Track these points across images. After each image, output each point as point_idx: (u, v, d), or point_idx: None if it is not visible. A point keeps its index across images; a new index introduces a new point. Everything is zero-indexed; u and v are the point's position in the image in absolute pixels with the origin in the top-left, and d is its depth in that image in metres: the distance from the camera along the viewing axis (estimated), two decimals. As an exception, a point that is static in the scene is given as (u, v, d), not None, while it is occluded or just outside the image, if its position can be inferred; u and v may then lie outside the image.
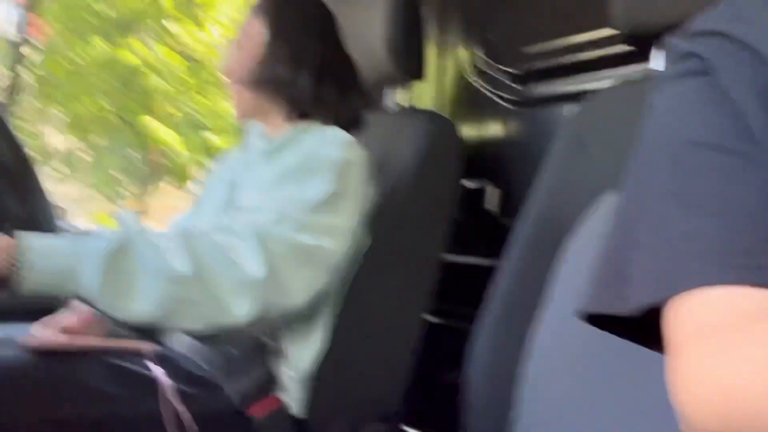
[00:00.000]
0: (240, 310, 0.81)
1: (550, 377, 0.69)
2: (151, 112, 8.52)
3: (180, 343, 0.99)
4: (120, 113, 8.65)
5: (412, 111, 1.23)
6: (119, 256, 0.76)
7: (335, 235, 0.92)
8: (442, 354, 1.12)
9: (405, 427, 1.20)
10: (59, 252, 0.75)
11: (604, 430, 0.62)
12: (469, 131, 1.40)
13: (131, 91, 8.42)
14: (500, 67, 1.35)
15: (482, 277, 0.88)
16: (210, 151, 8.82)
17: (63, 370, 0.87)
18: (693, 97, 0.41)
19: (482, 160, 1.35)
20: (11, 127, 0.73)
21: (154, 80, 8.24)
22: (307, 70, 1.03)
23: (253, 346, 0.95)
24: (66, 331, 0.97)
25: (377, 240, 1.02)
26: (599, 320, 0.41)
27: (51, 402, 0.83)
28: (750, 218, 0.35)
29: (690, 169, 0.38)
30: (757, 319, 0.32)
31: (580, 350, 0.65)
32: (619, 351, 0.50)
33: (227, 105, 1.14)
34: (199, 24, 8.49)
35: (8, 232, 0.74)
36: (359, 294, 1.00)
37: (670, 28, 0.70)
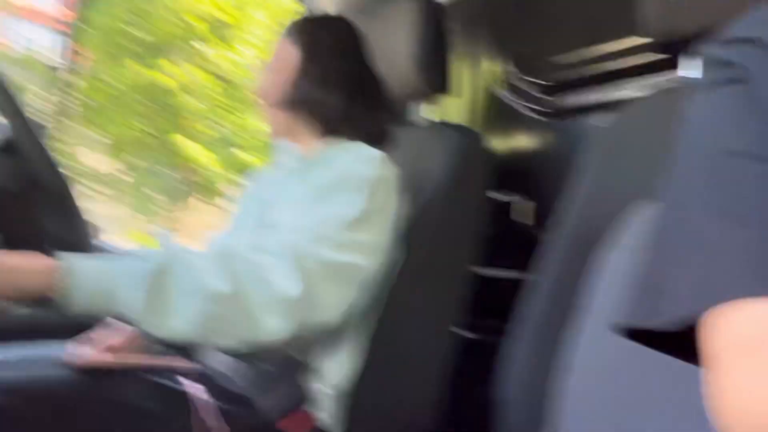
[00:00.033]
0: (274, 327, 0.82)
1: (586, 393, 0.68)
2: (184, 131, 8.70)
3: (216, 360, 1.00)
4: (155, 133, 8.86)
5: (441, 125, 1.23)
6: (159, 275, 0.78)
7: (368, 252, 0.92)
8: (476, 369, 1.11)
9: (439, 444, 1.19)
10: (100, 272, 0.77)
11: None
12: (498, 144, 1.39)
13: (166, 112, 8.63)
14: (529, 78, 1.34)
15: (515, 290, 0.87)
16: (241, 168, 8.96)
17: (103, 387, 0.89)
18: (729, 105, 0.40)
19: (513, 172, 1.34)
20: (51, 151, 0.75)
21: (187, 101, 8.43)
22: (338, 89, 1.04)
23: (287, 363, 0.95)
24: (106, 349, 0.99)
25: (408, 255, 1.01)
26: (636, 334, 0.40)
27: (91, 419, 0.85)
28: None
29: (728, 179, 0.37)
30: None
31: (616, 364, 0.63)
32: (657, 364, 0.49)
33: (258, 123, 1.15)
34: (230, 45, 8.66)
35: (50, 253, 0.76)
36: (391, 310, 1.00)
37: (701, 35, 0.70)
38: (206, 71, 8.61)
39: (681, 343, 0.37)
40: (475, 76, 1.48)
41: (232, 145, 8.79)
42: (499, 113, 1.42)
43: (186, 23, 8.43)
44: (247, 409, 0.93)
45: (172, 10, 8.42)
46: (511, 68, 1.39)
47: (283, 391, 0.94)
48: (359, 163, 0.98)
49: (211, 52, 8.48)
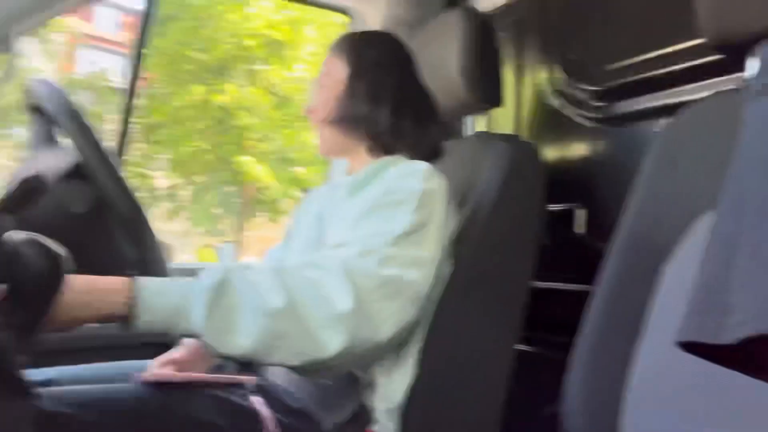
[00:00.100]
0: (330, 343, 0.82)
1: (652, 408, 0.66)
2: (243, 148, 8.93)
3: (277, 376, 1.02)
4: (215, 151, 9.12)
5: (493, 136, 1.22)
6: (220, 293, 0.80)
7: (420, 267, 0.92)
8: (538, 384, 1.09)
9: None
10: (170, 291, 0.79)
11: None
12: (552, 153, 1.37)
13: (225, 131, 8.88)
14: (582, 85, 1.32)
15: (575, 303, 0.85)
16: (299, 184, 9.12)
17: (172, 402, 0.92)
18: None
19: (568, 182, 1.31)
20: (124, 176, 0.78)
21: (245, 119, 8.65)
22: (386, 105, 1.05)
23: (346, 379, 0.96)
24: (175, 365, 1.03)
25: (462, 267, 1.01)
26: (700, 348, 0.39)
27: (161, 432, 0.88)
28: None
29: None
30: None
31: (683, 380, 0.61)
32: (724, 379, 0.47)
33: (314, 137, 1.17)
34: (284, 62, 8.85)
35: (125, 274, 0.79)
36: (446, 323, 0.99)
37: (764, 34, 0.67)
38: (263, 89, 8.83)
39: (748, 357, 0.36)
40: (525, 85, 1.46)
41: (291, 162, 8.96)
42: (551, 122, 1.39)
43: (242, 44, 8.68)
44: (307, 424, 0.94)
45: (228, 31, 8.69)
46: (563, 75, 1.37)
47: (341, 406, 0.94)
48: (406, 177, 0.98)
49: (267, 70, 8.70)
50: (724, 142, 0.45)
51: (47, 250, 0.59)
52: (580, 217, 1.26)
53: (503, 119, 1.47)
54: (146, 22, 1.52)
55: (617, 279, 0.79)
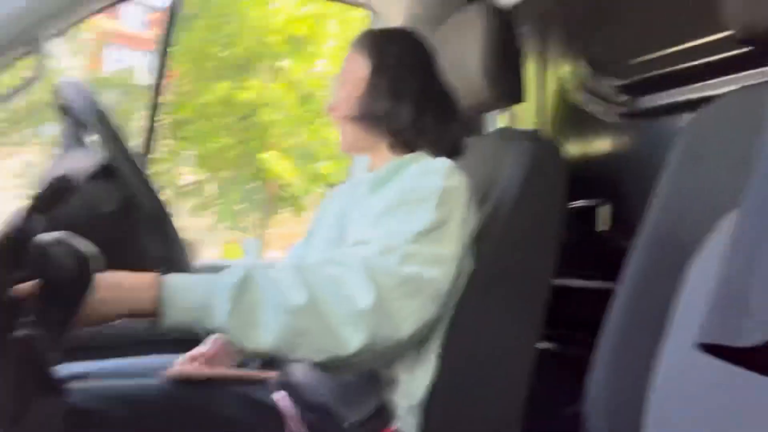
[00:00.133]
0: (351, 340, 0.83)
1: (677, 408, 0.65)
2: (267, 145, 8.99)
3: (300, 372, 1.03)
4: (240, 148, 9.19)
5: (514, 133, 1.21)
6: (243, 290, 0.81)
7: (441, 264, 0.92)
8: (561, 382, 1.08)
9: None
10: (195, 288, 0.80)
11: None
12: (576, 148, 1.36)
13: (249, 126, 8.93)
14: (606, 79, 1.30)
15: (597, 300, 0.85)
16: (323, 180, 9.15)
17: (197, 398, 0.94)
18: None
19: (591, 177, 1.30)
20: (149, 176, 0.79)
21: (269, 114, 8.70)
22: (408, 102, 1.05)
23: (367, 376, 0.97)
24: (201, 361, 1.05)
25: (483, 265, 1.01)
26: (721, 349, 0.38)
27: (186, 427, 0.90)
28: None
29: None
30: None
31: (708, 379, 0.60)
32: (750, 379, 0.47)
33: (336, 133, 1.17)
34: (307, 58, 8.87)
35: (151, 272, 0.80)
36: (467, 320, 0.99)
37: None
38: (286, 85, 8.86)
39: (766, 359, 0.36)
40: (548, 80, 1.44)
41: (313, 156, 8.99)
42: (574, 117, 1.37)
43: (265, 40, 8.72)
44: (329, 420, 0.95)
45: (252, 27, 8.74)
46: (586, 69, 1.35)
47: (363, 402, 0.95)
48: (429, 175, 0.98)
49: (290, 66, 8.73)
50: (750, 138, 0.45)
51: (77, 251, 0.60)
52: (604, 213, 1.24)
53: (526, 115, 1.46)
54: (172, 19, 1.54)
55: (641, 276, 0.79)
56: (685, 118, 1.09)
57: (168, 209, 0.80)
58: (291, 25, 8.41)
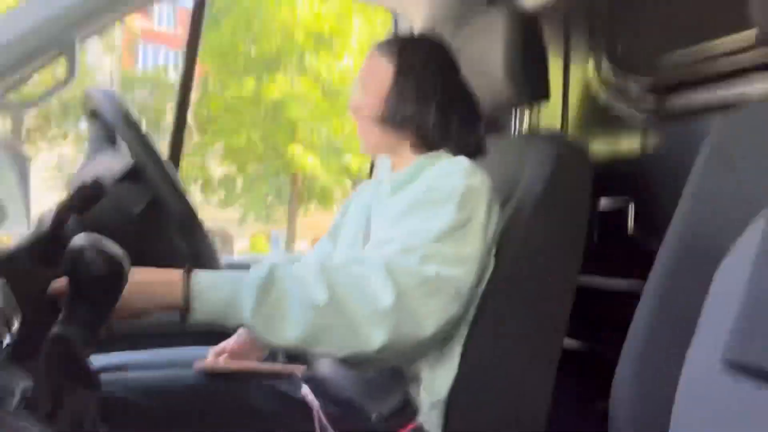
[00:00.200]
0: (373, 338, 0.83)
1: (700, 414, 0.64)
2: (294, 140, 9.03)
3: (326, 367, 1.04)
4: (267, 142, 9.25)
5: (538, 136, 1.19)
6: (268, 287, 0.82)
7: (463, 264, 0.92)
8: (588, 380, 1.07)
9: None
10: (222, 285, 0.82)
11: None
12: (601, 147, 1.33)
13: (276, 121, 8.99)
14: (633, 78, 1.27)
15: (626, 300, 0.83)
16: (350, 173, 9.17)
17: (226, 390, 0.95)
18: None
19: (619, 177, 1.27)
20: (176, 178, 0.81)
21: (296, 110, 8.73)
22: (432, 104, 1.05)
23: (391, 372, 0.97)
24: (229, 354, 1.06)
25: (506, 265, 1.00)
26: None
27: (217, 418, 0.91)
28: None
29: None
30: None
31: (731, 387, 0.59)
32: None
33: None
34: (333, 54, 8.87)
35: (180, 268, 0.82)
36: (489, 319, 0.98)
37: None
38: (312, 80, 8.88)
39: None
40: (573, 78, 1.42)
41: (339, 150, 9.01)
42: (600, 116, 1.35)
43: (291, 36, 8.75)
44: (356, 415, 0.95)
45: (278, 22, 8.77)
46: (612, 68, 1.32)
47: (387, 398, 0.95)
48: (451, 175, 0.97)
49: (316, 61, 8.75)
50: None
51: (110, 254, 0.61)
52: (631, 213, 1.22)
53: (551, 113, 1.43)
54: (198, 18, 1.55)
55: (669, 278, 0.77)
56: (714, 118, 1.07)
57: (195, 209, 0.81)
58: (316, 22, 8.43)
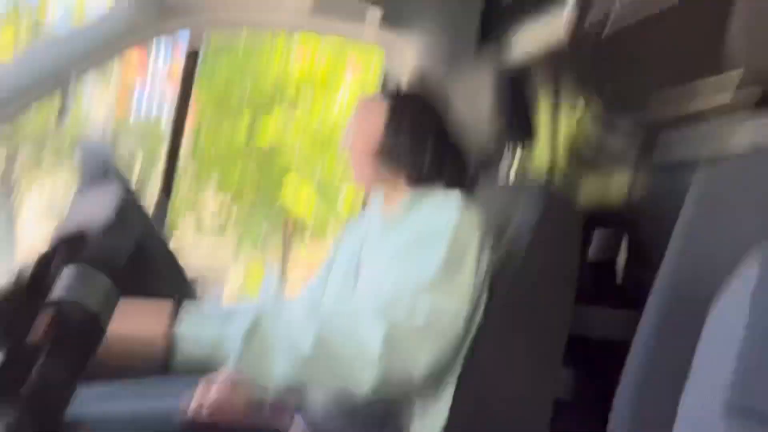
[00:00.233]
0: (362, 383, 0.82)
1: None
2: (287, 173, 9.03)
3: (318, 402, 1.02)
4: (261, 175, 9.27)
5: (525, 185, 1.20)
6: (254, 333, 0.80)
7: (455, 302, 0.91)
8: (588, 412, 1.04)
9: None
10: (207, 326, 0.80)
11: None
12: (593, 183, 1.33)
13: (269, 171, 9.01)
14: (623, 115, 1.28)
15: (623, 332, 0.82)
16: (342, 207, 9.17)
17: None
18: None
19: (611, 212, 1.27)
20: (159, 225, 0.81)
21: (290, 147, 8.76)
22: (425, 140, 1.06)
23: (385, 407, 0.95)
24: (213, 401, 1.03)
25: (497, 310, 0.99)
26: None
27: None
28: None
29: None
30: None
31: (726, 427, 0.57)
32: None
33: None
34: (327, 93, 8.97)
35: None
36: (484, 353, 0.97)
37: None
38: (305, 121, 8.96)
39: None
40: (562, 119, 1.43)
41: (333, 184, 9.05)
42: (592, 153, 1.35)
43: (285, 78, 8.84)
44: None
45: (273, 65, 8.86)
46: (603, 105, 1.33)
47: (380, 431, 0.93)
48: (442, 212, 0.97)
49: (310, 101, 8.84)
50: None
51: (85, 309, 0.61)
52: (624, 249, 1.22)
53: (542, 151, 1.44)
54: (192, 65, 1.56)
55: (661, 319, 0.76)
56: (703, 156, 1.08)
57: (174, 252, 0.81)
58: (311, 64, 8.53)
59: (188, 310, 0.79)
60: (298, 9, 1.42)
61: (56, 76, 1.19)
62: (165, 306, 0.79)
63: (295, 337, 0.81)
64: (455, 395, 0.95)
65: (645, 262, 1.12)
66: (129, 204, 0.77)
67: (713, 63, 1.06)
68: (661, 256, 0.79)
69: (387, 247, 0.99)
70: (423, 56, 1.49)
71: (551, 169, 1.43)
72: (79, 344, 0.61)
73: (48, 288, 0.63)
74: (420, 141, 1.06)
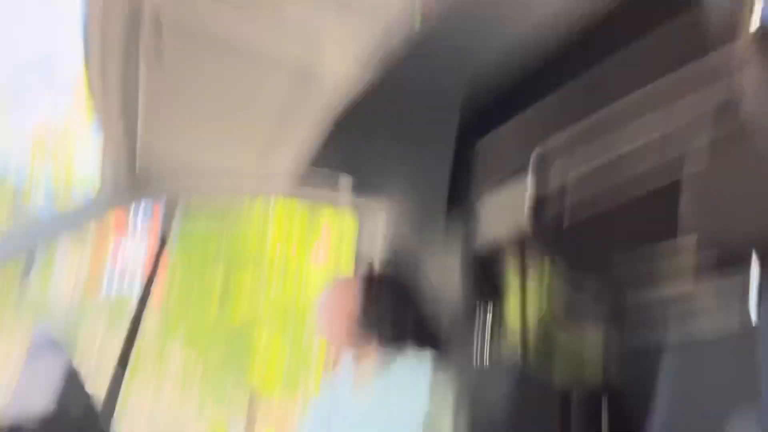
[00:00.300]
0: None
1: None
2: (257, 347, 8.75)
3: None
4: (229, 330, 8.99)
5: (501, 362, 1.18)
6: None
7: None
8: None
9: None
10: None
11: None
12: (567, 352, 1.31)
13: (238, 339, 8.79)
14: (590, 276, 1.29)
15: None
16: (316, 366, 8.87)
17: None
18: None
19: (588, 385, 1.24)
20: (83, 380, 0.79)
21: (259, 329, 8.56)
22: (395, 320, 1.09)
23: None
24: None
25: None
26: None
27: None
28: None
29: None
30: None
31: None
32: None
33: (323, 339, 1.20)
34: (301, 258, 9.00)
35: None
36: None
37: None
38: (282, 287, 8.91)
39: None
40: (531, 277, 1.44)
41: (302, 360, 8.79)
42: (563, 311, 1.35)
43: (258, 253, 8.88)
44: None
45: (246, 243, 8.91)
46: (569, 268, 1.34)
47: None
48: (410, 393, 0.98)
49: (282, 274, 8.83)
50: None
51: None
52: (605, 406, 1.17)
53: (513, 309, 1.43)
54: (160, 251, 1.56)
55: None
56: (674, 316, 1.07)
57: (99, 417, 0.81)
58: (284, 236, 8.63)
59: None
60: (272, 177, 1.46)
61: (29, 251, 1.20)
62: None
63: None
64: None
65: (629, 422, 1.07)
66: (71, 390, 0.75)
67: (672, 227, 1.10)
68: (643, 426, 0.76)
69: (359, 418, 0.96)
70: (393, 223, 1.53)
71: (523, 334, 1.41)
72: None
73: None
74: (393, 317, 1.09)
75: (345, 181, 1.52)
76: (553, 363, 1.28)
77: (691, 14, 0.82)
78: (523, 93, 1.16)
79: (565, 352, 1.31)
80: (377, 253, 1.39)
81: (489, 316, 1.26)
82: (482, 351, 1.27)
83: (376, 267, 1.25)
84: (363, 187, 1.51)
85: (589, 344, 1.28)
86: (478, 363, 1.24)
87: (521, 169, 1.15)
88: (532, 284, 1.43)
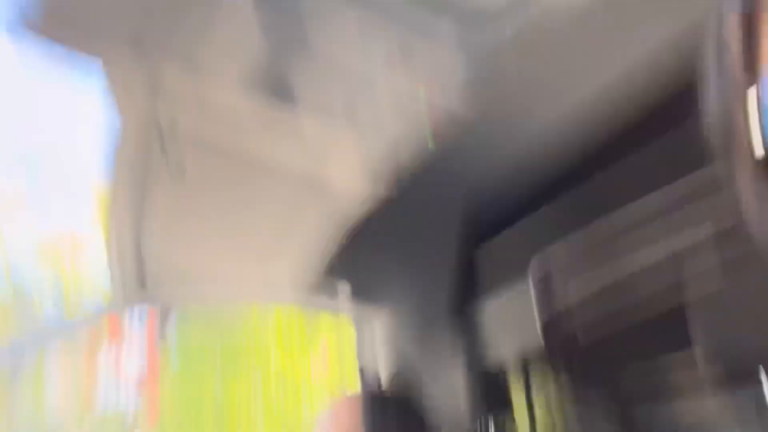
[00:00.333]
0: None
1: None
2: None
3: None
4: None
5: None
6: None
7: None
8: None
9: None
10: None
11: None
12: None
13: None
14: (595, 391, 1.24)
15: None
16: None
17: None
18: None
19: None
20: None
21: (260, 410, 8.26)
22: None
23: None
24: None
25: None
26: None
27: None
28: None
29: None
30: None
31: None
32: None
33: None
34: (302, 352, 8.78)
35: None
36: None
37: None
38: (282, 402, 8.61)
39: None
40: (540, 395, 1.38)
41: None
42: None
43: (260, 337, 8.72)
44: None
45: (246, 325, 8.79)
46: (575, 382, 1.30)
47: None
48: None
49: (285, 360, 8.59)
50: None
51: None
52: None
53: (521, 420, 1.36)
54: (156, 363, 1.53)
55: None
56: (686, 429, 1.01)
57: None
58: (288, 328, 8.49)
59: None
60: (273, 284, 1.44)
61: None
62: None
63: None
64: None
65: None
66: None
67: (684, 339, 1.07)
68: None
69: None
70: (393, 333, 1.49)
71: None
72: None
73: None
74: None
75: (344, 288, 1.50)
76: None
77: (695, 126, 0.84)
78: (525, 200, 1.17)
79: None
80: (380, 367, 1.34)
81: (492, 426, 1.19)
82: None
83: (381, 383, 1.21)
84: (362, 295, 1.49)
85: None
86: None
87: (523, 278, 1.14)
88: (538, 398, 1.36)
